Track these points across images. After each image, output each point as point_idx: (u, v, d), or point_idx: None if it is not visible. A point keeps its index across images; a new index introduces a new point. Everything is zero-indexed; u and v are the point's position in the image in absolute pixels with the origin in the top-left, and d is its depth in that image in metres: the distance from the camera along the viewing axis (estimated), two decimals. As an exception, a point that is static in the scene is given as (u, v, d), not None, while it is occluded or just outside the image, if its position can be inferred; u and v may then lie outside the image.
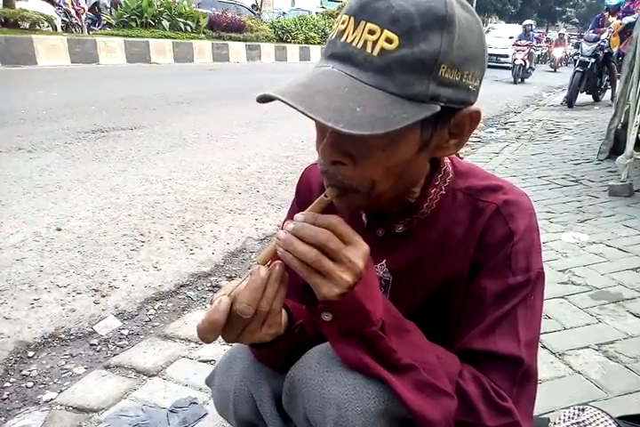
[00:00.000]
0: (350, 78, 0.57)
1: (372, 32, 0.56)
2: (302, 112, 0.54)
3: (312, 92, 0.56)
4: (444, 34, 0.56)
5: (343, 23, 0.59)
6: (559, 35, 17.86)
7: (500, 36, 17.67)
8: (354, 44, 0.57)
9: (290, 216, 0.87)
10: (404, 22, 0.55)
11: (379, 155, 0.61)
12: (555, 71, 17.17)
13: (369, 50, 0.56)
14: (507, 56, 16.74)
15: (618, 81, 6.25)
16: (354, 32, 0.57)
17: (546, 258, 2.20)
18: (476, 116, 0.64)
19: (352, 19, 0.57)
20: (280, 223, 2.30)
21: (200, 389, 1.39)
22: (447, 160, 0.76)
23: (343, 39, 0.58)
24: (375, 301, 0.62)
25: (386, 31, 0.55)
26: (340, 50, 0.58)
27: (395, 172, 0.63)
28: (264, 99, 0.57)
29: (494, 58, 17.27)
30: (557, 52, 17.62)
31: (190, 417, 1.28)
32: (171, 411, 1.31)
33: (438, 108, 0.58)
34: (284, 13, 20.98)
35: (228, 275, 2.14)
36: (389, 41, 0.55)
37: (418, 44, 0.55)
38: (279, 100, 0.55)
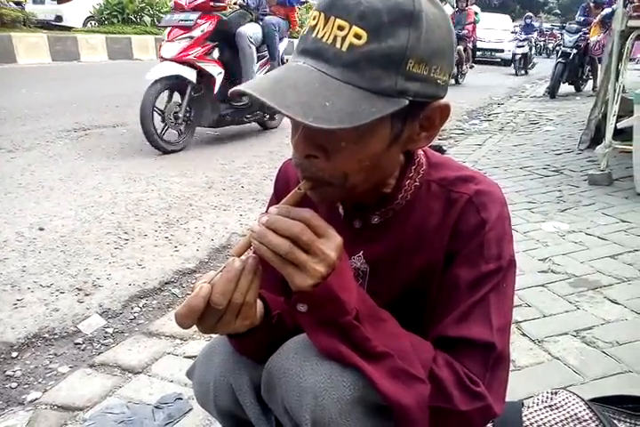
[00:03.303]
0: (320, 73, 0.58)
1: (341, 28, 0.57)
2: (272, 107, 0.55)
3: (283, 87, 0.57)
4: (412, 29, 0.57)
5: (314, 19, 0.60)
6: (525, 18, 13.69)
7: (491, 28, 15.44)
8: (324, 39, 0.58)
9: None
10: (371, 18, 0.56)
11: (350, 148, 0.62)
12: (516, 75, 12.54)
13: (338, 45, 0.57)
14: (502, 51, 15.29)
15: (599, 71, 6.33)
16: (324, 28, 0.58)
17: (526, 247, 2.24)
18: (445, 110, 0.65)
19: (322, 15, 0.58)
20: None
21: (185, 384, 1.39)
22: (421, 152, 0.77)
23: (314, 35, 0.59)
24: (349, 291, 0.63)
25: (354, 27, 0.56)
26: (311, 45, 0.59)
27: (367, 164, 0.65)
28: (237, 94, 0.58)
29: (488, 53, 15.48)
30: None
31: (175, 413, 1.29)
32: (156, 407, 1.31)
33: (406, 102, 0.59)
34: None
35: (212, 271, 2.15)
36: (358, 37, 0.56)
37: (385, 40, 0.56)
38: (250, 95, 0.56)
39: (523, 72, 12.71)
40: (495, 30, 15.58)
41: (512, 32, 14.47)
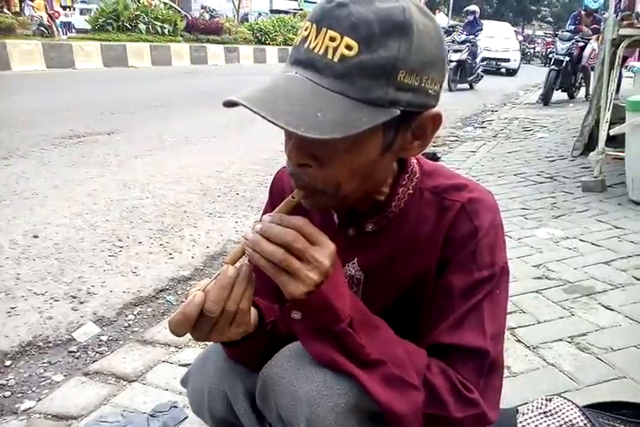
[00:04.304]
0: (312, 84, 0.58)
1: (332, 39, 0.57)
2: (264, 117, 0.55)
3: (275, 98, 0.58)
4: (403, 40, 0.57)
5: (306, 30, 0.60)
6: (467, 13, 10.32)
7: (493, 36, 13.93)
8: (316, 50, 0.58)
9: (262, 218, 0.89)
10: (363, 29, 0.57)
11: (343, 157, 0.63)
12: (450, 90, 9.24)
13: (330, 56, 0.58)
14: (507, 60, 14.54)
15: (591, 79, 6.39)
16: (316, 39, 0.59)
17: (521, 254, 2.24)
18: (437, 119, 0.66)
19: (314, 26, 0.59)
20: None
21: (180, 393, 1.38)
22: (414, 160, 0.78)
23: (306, 46, 0.59)
24: (343, 298, 0.63)
25: (346, 38, 0.57)
26: (303, 56, 0.60)
27: (360, 173, 0.65)
28: (229, 104, 0.58)
29: (493, 62, 14.17)
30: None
31: (170, 421, 1.29)
32: (151, 415, 1.31)
33: (398, 112, 0.59)
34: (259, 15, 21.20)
35: (206, 279, 2.14)
36: (349, 48, 0.57)
37: (377, 51, 0.57)
38: (242, 105, 0.56)
39: (465, 86, 9.94)
40: (497, 38, 14.37)
41: (450, 27, 11.98)
